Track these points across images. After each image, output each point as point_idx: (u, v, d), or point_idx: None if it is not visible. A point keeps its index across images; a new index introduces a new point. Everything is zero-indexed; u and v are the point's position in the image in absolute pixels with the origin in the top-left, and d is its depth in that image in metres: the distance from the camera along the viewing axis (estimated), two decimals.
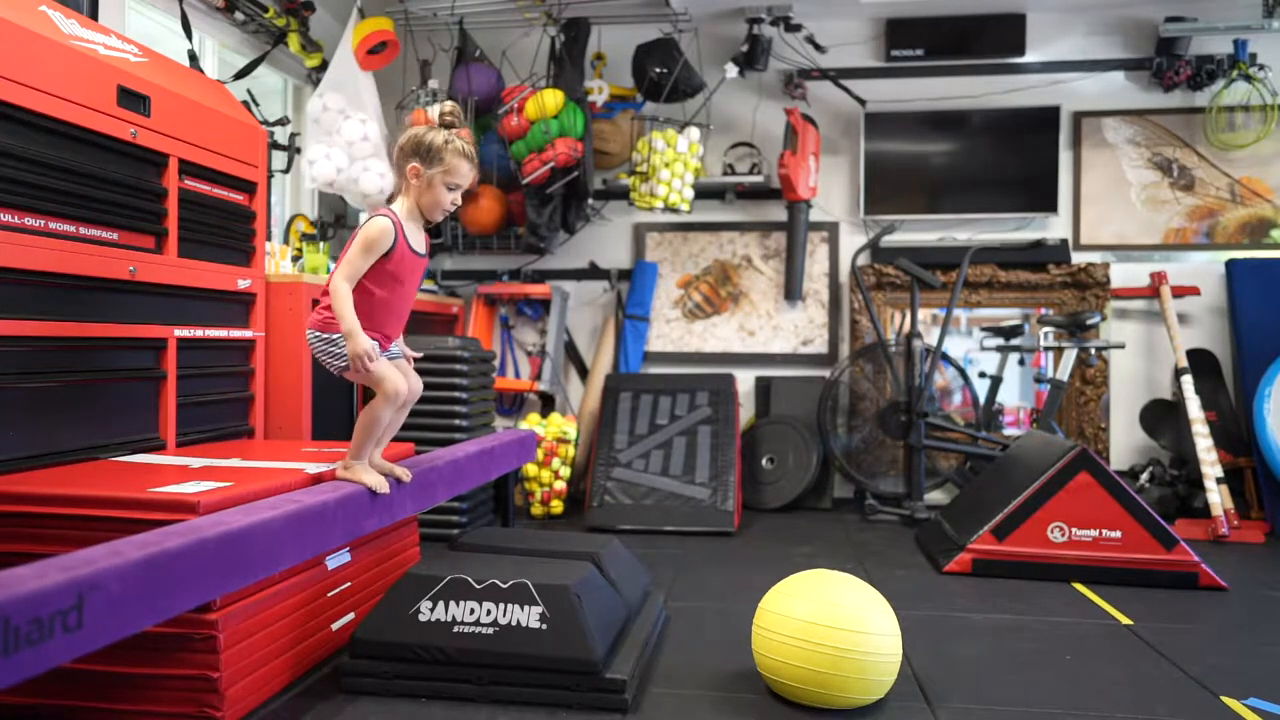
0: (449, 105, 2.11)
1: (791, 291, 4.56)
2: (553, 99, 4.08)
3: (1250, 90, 4.24)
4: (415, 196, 2.08)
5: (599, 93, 4.54)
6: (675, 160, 4.19)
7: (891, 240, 4.49)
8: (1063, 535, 3.03)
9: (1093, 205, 4.50)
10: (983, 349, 4.57)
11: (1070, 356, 4.07)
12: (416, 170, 2.05)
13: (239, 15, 3.60)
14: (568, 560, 2.26)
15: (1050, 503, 3.04)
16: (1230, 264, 4.26)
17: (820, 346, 4.67)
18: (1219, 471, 3.81)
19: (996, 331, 4.47)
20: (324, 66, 4.06)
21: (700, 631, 2.46)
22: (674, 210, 4.28)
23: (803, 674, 1.87)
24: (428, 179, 2.05)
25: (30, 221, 2.03)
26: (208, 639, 1.75)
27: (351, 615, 2.27)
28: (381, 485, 2.04)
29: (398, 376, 2.06)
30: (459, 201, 2.15)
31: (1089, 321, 4.03)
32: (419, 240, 2.11)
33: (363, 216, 1.88)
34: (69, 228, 2.14)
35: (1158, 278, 4.31)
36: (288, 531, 1.62)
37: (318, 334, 2.07)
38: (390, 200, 2.19)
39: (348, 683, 1.99)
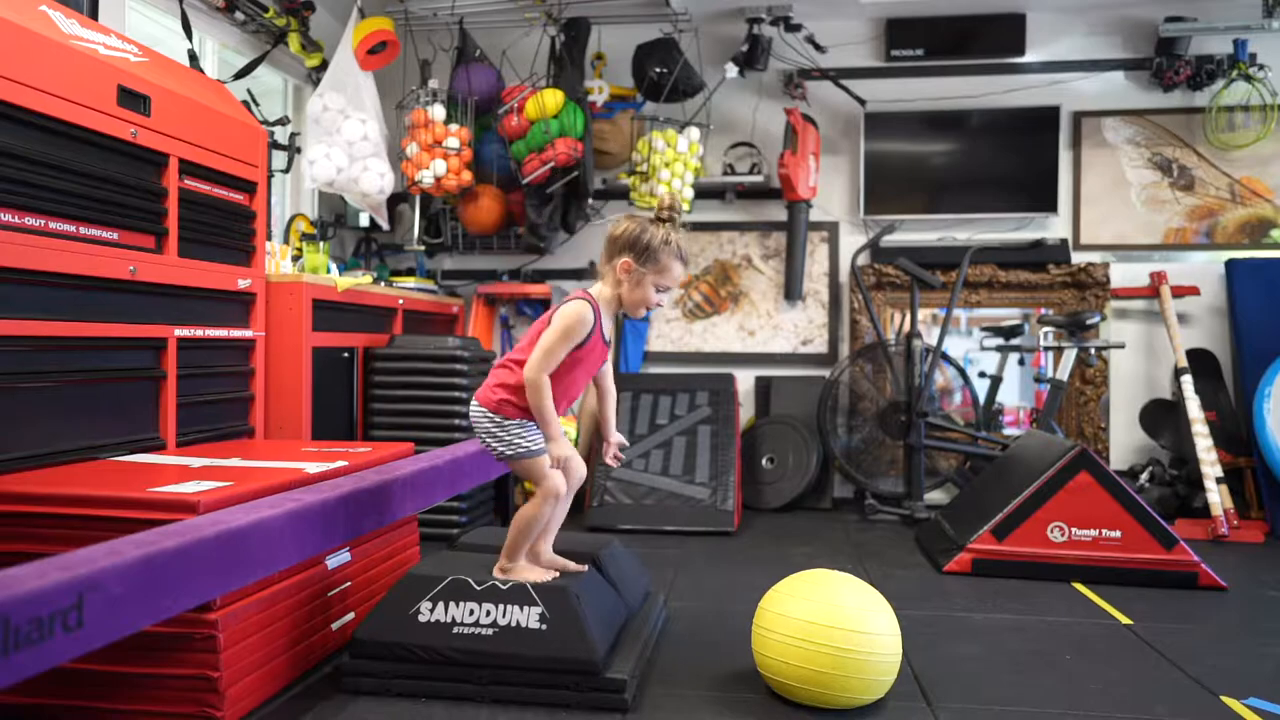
0: (668, 199, 2.05)
1: (791, 291, 4.56)
2: (553, 99, 4.08)
3: (1250, 90, 4.24)
4: (621, 290, 2.03)
5: (599, 93, 4.54)
6: (675, 160, 4.19)
7: (891, 240, 4.49)
8: (1062, 535, 3.03)
9: (1093, 205, 4.50)
10: (983, 349, 4.57)
11: (1070, 356, 4.07)
12: (629, 266, 1.99)
13: (239, 15, 3.60)
14: (567, 560, 2.26)
15: (1050, 503, 3.04)
16: (1230, 264, 4.26)
17: (820, 346, 4.67)
18: (1219, 471, 3.81)
19: (996, 331, 4.47)
20: (324, 66, 4.06)
21: (700, 631, 2.46)
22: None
23: (803, 674, 1.87)
24: (638, 277, 2.00)
25: (30, 221, 2.03)
26: (208, 639, 1.75)
27: (351, 615, 2.27)
28: (547, 576, 2.03)
29: (559, 476, 2.03)
30: (664, 303, 2.13)
31: (1089, 321, 4.03)
32: (609, 329, 2.07)
33: (564, 305, 1.93)
34: (69, 227, 2.14)
35: (1157, 278, 4.31)
36: (287, 531, 1.62)
37: (488, 414, 2.02)
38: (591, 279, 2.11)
39: (348, 683, 1.99)
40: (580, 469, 2.12)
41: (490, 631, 1.95)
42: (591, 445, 4.29)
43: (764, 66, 4.37)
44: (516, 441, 2.02)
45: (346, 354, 3.40)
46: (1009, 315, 4.59)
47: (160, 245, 2.46)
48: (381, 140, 4.00)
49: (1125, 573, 2.97)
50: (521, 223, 4.48)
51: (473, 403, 2.07)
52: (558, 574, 2.10)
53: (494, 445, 2.04)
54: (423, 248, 4.56)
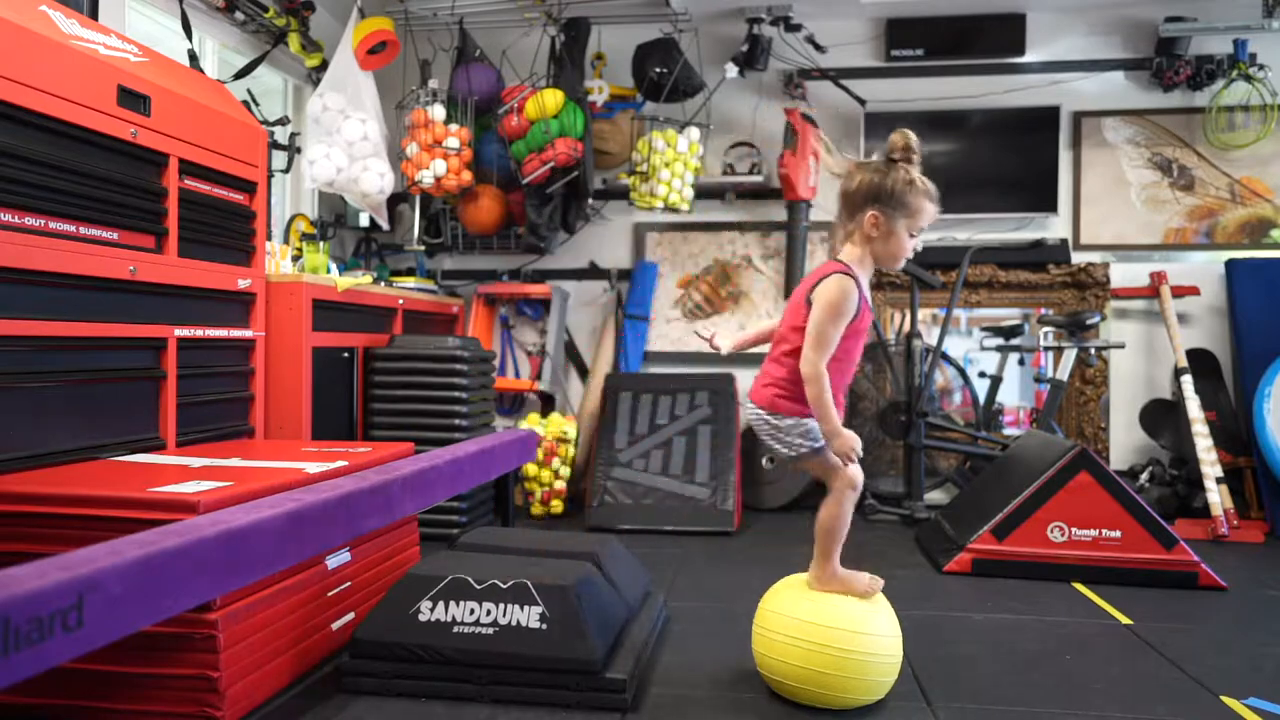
0: (900, 138, 1.91)
1: (791, 291, 4.55)
2: (553, 99, 4.08)
3: (1250, 90, 4.24)
4: (872, 246, 1.90)
5: (599, 93, 4.54)
6: (675, 160, 4.19)
7: None
8: (1062, 535, 3.03)
9: (1093, 205, 4.49)
10: (983, 349, 4.57)
11: (1070, 356, 4.07)
12: (876, 219, 1.87)
13: (239, 15, 3.59)
14: (568, 560, 2.26)
15: (1050, 502, 3.04)
16: (1230, 264, 4.26)
17: None
18: (1219, 471, 3.81)
19: (996, 331, 4.47)
20: (324, 66, 4.06)
21: (700, 631, 2.46)
22: (674, 210, 4.28)
23: (803, 674, 1.87)
24: (889, 227, 1.88)
25: (30, 221, 2.03)
26: (208, 639, 1.75)
27: (351, 615, 2.27)
28: (876, 584, 1.91)
29: (856, 466, 1.88)
30: (919, 248, 1.96)
31: (1089, 321, 4.03)
32: (867, 290, 1.92)
33: (822, 284, 1.79)
34: (69, 227, 2.14)
35: (1157, 278, 4.31)
36: (287, 531, 1.62)
37: (765, 416, 1.90)
38: (833, 251, 2.01)
39: (348, 683, 1.99)
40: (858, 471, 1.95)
41: (490, 631, 1.95)
42: (592, 446, 4.29)
43: (764, 66, 4.37)
44: (798, 442, 1.89)
45: (346, 354, 3.40)
46: (1009, 315, 4.58)
47: (160, 245, 2.46)
48: (381, 140, 4.00)
49: (1125, 573, 2.97)
50: (521, 223, 4.48)
51: (748, 404, 1.95)
52: (880, 581, 1.95)
53: (777, 448, 1.92)
54: (423, 248, 4.56)
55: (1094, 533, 3.01)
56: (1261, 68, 4.23)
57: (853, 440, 1.82)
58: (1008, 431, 4.58)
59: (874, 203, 1.88)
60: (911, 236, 1.93)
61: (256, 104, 3.59)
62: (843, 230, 1.98)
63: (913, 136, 1.93)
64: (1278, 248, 4.37)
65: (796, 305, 1.93)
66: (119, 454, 2.26)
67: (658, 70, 4.22)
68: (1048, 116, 4.41)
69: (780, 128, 4.48)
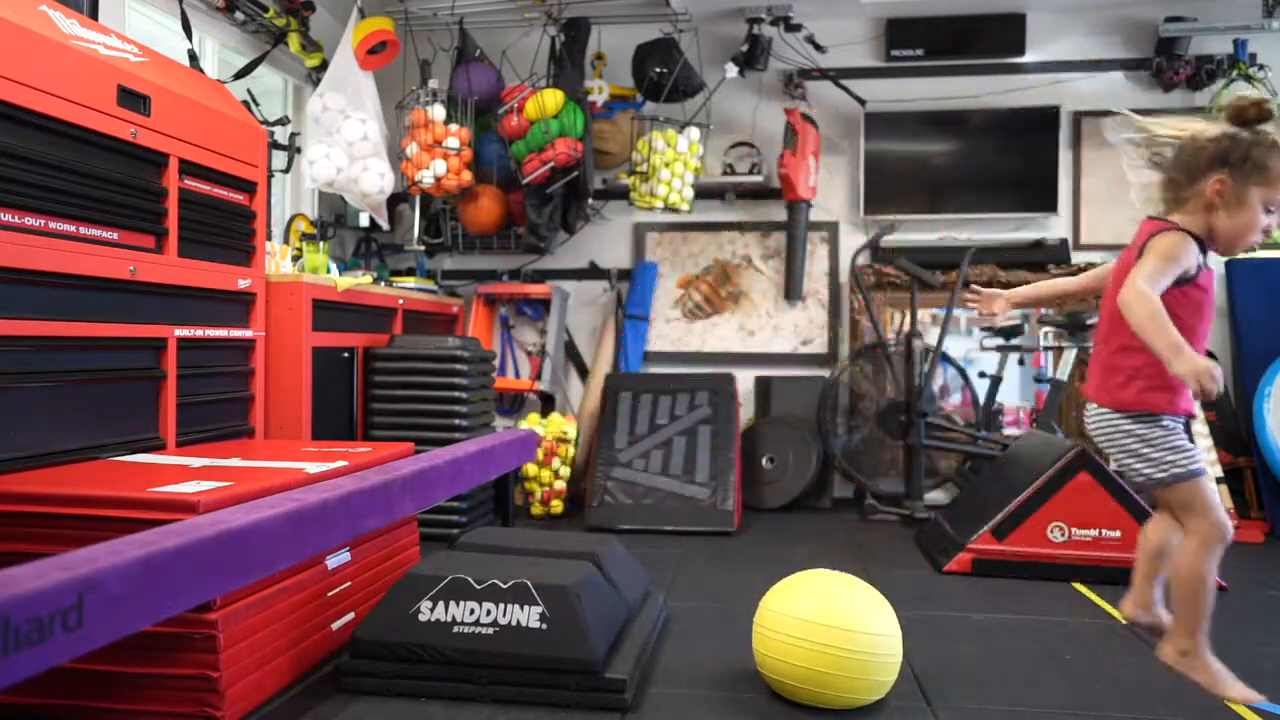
0: (1247, 100, 1.60)
1: (791, 291, 4.56)
2: (553, 99, 4.08)
3: (1250, 90, 4.23)
4: (1215, 219, 1.63)
5: (599, 93, 4.54)
6: (675, 160, 4.19)
7: (891, 240, 4.49)
8: (1062, 535, 3.03)
9: (1093, 205, 4.49)
10: (983, 349, 4.57)
11: (1070, 356, 4.06)
12: (1222, 186, 1.60)
13: (239, 15, 3.59)
14: (568, 560, 2.26)
15: (1050, 502, 3.04)
16: (1230, 264, 4.26)
17: (820, 346, 4.66)
18: (1219, 471, 3.81)
19: (996, 331, 4.47)
20: (324, 66, 4.06)
21: (700, 631, 2.46)
22: (674, 210, 4.28)
23: (803, 674, 1.87)
24: (1239, 197, 1.58)
25: (30, 221, 2.03)
26: (208, 639, 1.75)
27: (351, 615, 2.27)
28: (1249, 696, 1.57)
29: (1224, 514, 1.57)
30: (1276, 227, 1.64)
31: (1089, 321, 4.03)
32: (1209, 260, 1.63)
33: (1159, 237, 1.60)
34: (69, 227, 2.14)
35: None
36: (287, 531, 1.62)
37: (1124, 417, 1.59)
38: (1163, 212, 1.75)
39: (348, 683, 1.99)
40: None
41: (490, 631, 1.95)
42: (592, 446, 4.29)
43: (764, 66, 4.37)
44: (1168, 458, 1.59)
45: (346, 354, 3.40)
46: (1009, 315, 4.58)
47: (160, 245, 2.46)
48: (381, 140, 4.00)
49: (1125, 573, 2.95)
50: (521, 223, 4.48)
51: (1094, 412, 1.64)
52: (1257, 695, 1.64)
53: (1139, 467, 1.61)
54: (423, 248, 4.56)
55: (1094, 533, 3.01)
56: (1261, 68, 4.23)
57: (1203, 361, 1.44)
58: (1008, 431, 4.58)
59: (1219, 167, 1.62)
60: (1270, 212, 1.62)
61: (256, 104, 3.59)
62: (1172, 195, 1.74)
63: (1262, 94, 1.66)
64: (1278, 248, 4.37)
65: (1124, 269, 1.69)
66: (119, 454, 2.26)
67: (658, 70, 4.22)
68: (1048, 116, 4.41)
69: (780, 128, 4.48)
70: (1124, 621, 1.91)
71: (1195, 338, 1.63)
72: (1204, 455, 3.79)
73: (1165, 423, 1.62)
